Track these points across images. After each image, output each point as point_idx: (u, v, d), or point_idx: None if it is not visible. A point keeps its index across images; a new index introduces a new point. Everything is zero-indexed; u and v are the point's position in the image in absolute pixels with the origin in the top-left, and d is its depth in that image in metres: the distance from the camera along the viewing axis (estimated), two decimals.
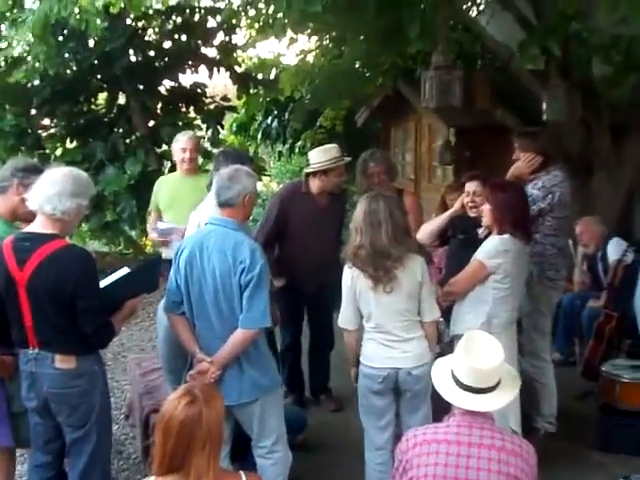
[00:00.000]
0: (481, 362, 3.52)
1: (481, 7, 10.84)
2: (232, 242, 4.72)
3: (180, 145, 7.61)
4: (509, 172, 6.17)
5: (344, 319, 5.20)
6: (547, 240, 6.07)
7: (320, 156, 6.81)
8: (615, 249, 7.93)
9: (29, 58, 11.66)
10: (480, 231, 5.66)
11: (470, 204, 5.93)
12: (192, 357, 4.89)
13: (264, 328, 4.87)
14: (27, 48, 11.36)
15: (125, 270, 5.09)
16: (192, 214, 6.08)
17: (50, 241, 4.40)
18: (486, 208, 5.53)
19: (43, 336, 4.46)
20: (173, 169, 14.40)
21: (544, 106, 7.78)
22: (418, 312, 5.05)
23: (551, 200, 5.98)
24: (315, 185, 6.85)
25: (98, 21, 9.09)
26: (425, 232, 6.21)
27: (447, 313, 5.53)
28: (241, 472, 3.46)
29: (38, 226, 4.47)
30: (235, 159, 5.72)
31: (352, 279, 5.06)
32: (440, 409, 4.19)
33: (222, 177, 4.88)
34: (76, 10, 8.90)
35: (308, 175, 6.93)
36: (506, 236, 5.36)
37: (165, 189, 7.72)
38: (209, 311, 4.77)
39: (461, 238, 5.99)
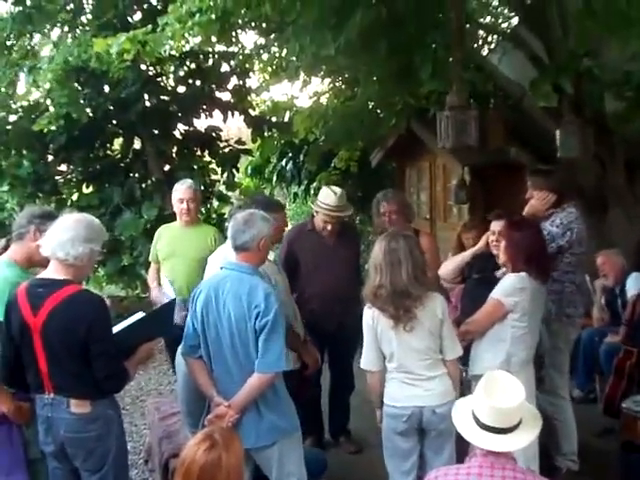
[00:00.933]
0: (502, 402, 3.50)
1: (492, 46, 10.90)
2: (247, 287, 4.74)
3: (178, 195, 7.51)
4: (524, 211, 6.17)
5: (367, 361, 5.17)
6: (565, 277, 6.06)
7: (322, 197, 6.86)
8: (634, 284, 7.89)
9: (49, 104, 11.77)
10: (498, 272, 5.65)
11: (495, 243, 5.87)
12: (209, 401, 4.89)
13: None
14: (46, 94, 11.50)
15: (140, 314, 5.12)
16: (210, 257, 6.10)
17: (63, 287, 4.44)
18: (502, 246, 5.54)
19: (58, 381, 4.49)
20: None
21: (558, 143, 7.79)
22: (440, 350, 5.03)
23: (570, 237, 5.97)
24: (317, 222, 6.91)
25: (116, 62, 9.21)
26: (448, 269, 6.21)
27: (464, 353, 5.49)
28: None
29: (51, 272, 4.52)
30: (263, 206, 5.73)
31: (373, 319, 5.05)
32: (462, 450, 4.17)
33: (237, 221, 4.91)
34: (95, 54, 9.02)
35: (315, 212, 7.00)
36: (523, 274, 5.35)
37: (165, 239, 7.64)
38: (226, 355, 4.79)
39: (476, 277, 5.98)
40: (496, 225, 5.94)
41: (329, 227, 6.85)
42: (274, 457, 4.88)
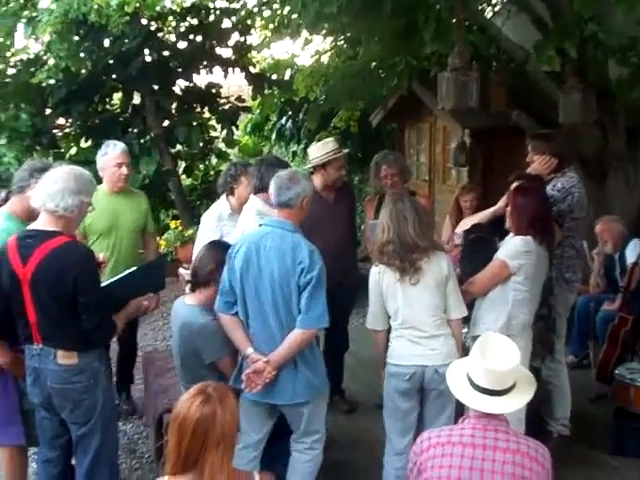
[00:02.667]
0: (496, 364, 3.51)
1: (497, 8, 10.81)
2: (290, 243, 4.73)
3: (114, 159, 6.70)
4: None
5: (373, 319, 5.21)
6: (566, 242, 6.02)
7: (317, 151, 6.87)
8: (633, 251, 7.88)
9: (46, 57, 11.71)
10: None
11: None
12: (244, 357, 4.88)
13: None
14: (45, 48, 11.43)
15: (131, 268, 5.13)
16: (205, 216, 6.13)
17: (52, 238, 4.46)
18: (507, 210, 5.54)
19: (46, 332, 4.52)
20: (188, 170, 14.46)
21: (560, 108, 7.74)
22: (445, 310, 5.05)
23: (571, 201, 5.95)
24: (318, 181, 6.85)
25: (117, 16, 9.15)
26: (465, 226, 6.16)
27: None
28: (254, 472, 3.47)
29: (41, 223, 4.54)
30: (272, 166, 5.76)
31: (379, 274, 5.07)
32: (460, 412, 4.18)
33: (282, 178, 4.87)
34: (95, 7, 8.93)
35: (311, 173, 6.96)
36: (528, 237, 5.33)
37: (96, 211, 6.16)
38: (266, 311, 4.77)
39: (471, 238, 5.96)
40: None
41: (343, 172, 6.92)
42: (305, 414, 4.92)
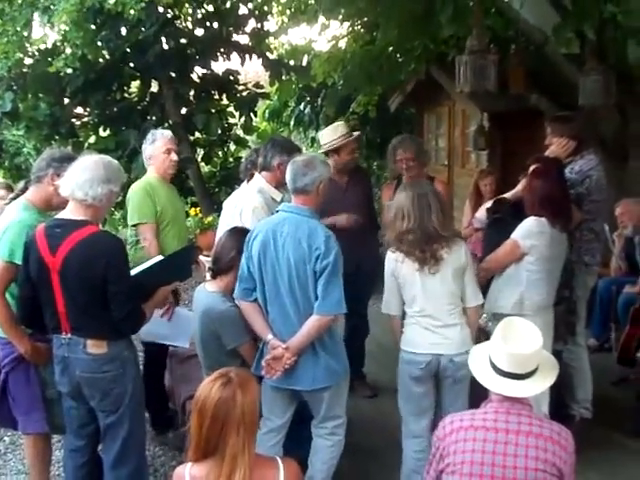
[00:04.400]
0: (519, 348, 3.50)
1: None
2: (306, 229, 4.73)
3: (164, 146, 6.43)
4: None
5: (388, 305, 5.22)
6: (584, 225, 5.99)
7: (328, 136, 6.90)
8: None
9: (65, 46, 11.72)
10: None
11: None
12: (265, 343, 4.90)
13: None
14: (61, 37, 11.44)
15: (158, 257, 5.13)
16: (225, 203, 6.12)
17: (81, 227, 4.45)
18: (525, 194, 5.55)
19: (75, 321, 4.52)
20: (206, 157, 14.46)
21: (579, 90, 7.69)
22: (462, 298, 5.04)
23: (589, 184, 5.92)
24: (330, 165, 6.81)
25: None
26: (483, 212, 6.14)
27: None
28: (277, 457, 3.47)
29: (70, 212, 4.54)
30: (280, 147, 5.82)
31: (396, 262, 5.04)
32: (480, 396, 4.18)
33: (297, 164, 4.88)
34: None
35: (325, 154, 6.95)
36: (543, 219, 5.34)
37: (162, 198, 6.42)
38: (283, 298, 4.78)
39: (491, 219, 5.94)
40: None
41: (356, 154, 7.00)
42: (325, 399, 4.93)
